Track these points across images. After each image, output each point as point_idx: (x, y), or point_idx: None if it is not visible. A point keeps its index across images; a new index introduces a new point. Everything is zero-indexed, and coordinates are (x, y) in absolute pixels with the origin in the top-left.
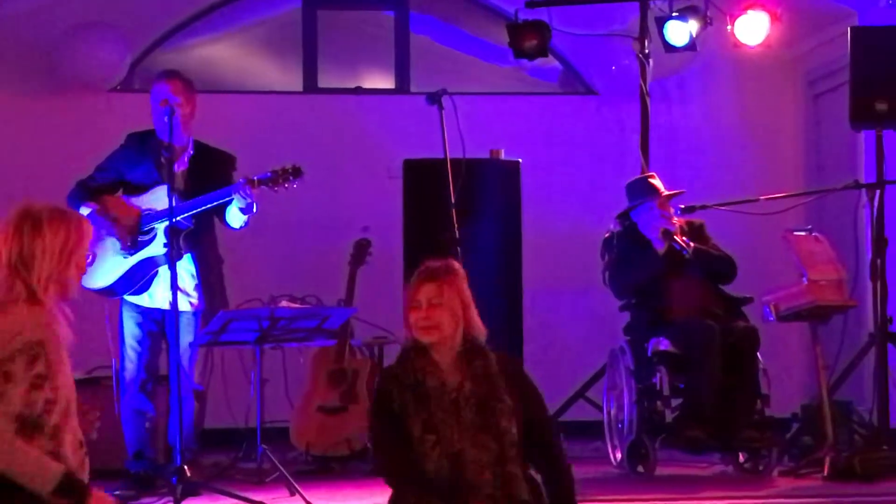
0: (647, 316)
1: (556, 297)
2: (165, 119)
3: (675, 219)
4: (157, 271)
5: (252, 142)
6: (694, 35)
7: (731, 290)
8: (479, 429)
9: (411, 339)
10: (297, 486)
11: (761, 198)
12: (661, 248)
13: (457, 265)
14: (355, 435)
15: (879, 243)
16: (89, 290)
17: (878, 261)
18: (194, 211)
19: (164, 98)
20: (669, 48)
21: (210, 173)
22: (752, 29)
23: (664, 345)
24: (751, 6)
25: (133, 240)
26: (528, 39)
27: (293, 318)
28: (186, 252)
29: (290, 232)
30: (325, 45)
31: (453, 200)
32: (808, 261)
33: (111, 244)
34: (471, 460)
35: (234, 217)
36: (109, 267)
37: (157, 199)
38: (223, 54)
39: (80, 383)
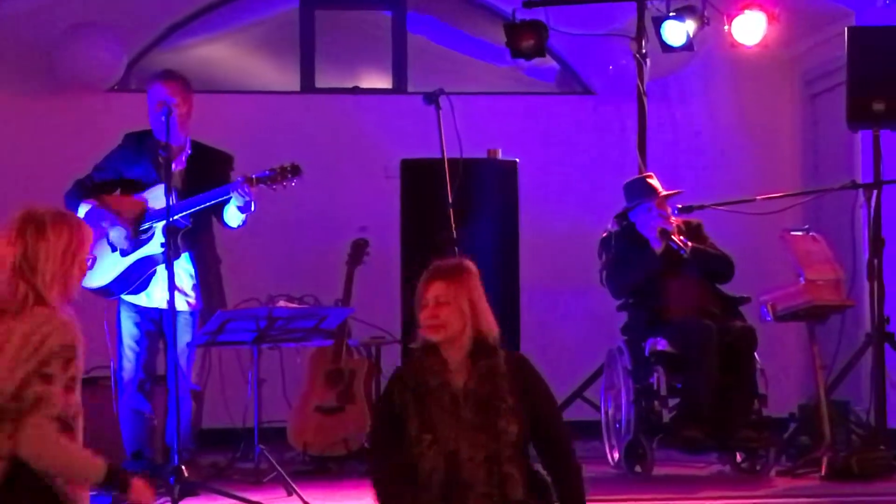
0: (645, 316)
1: (554, 296)
2: (162, 119)
3: (673, 218)
4: (154, 271)
5: (249, 142)
6: (691, 35)
7: (728, 289)
8: (477, 428)
9: (422, 338)
10: (294, 486)
11: (758, 198)
12: (658, 248)
13: (469, 264)
14: (352, 435)
15: (876, 243)
16: (86, 289)
17: (875, 261)
18: (192, 210)
19: (162, 99)
20: (667, 48)
21: (208, 173)
22: (750, 29)
23: (661, 345)
24: (748, 6)
25: (136, 230)
26: (525, 39)
27: (291, 318)
28: (184, 251)
29: (288, 232)
30: (322, 44)
31: (451, 200)
32: (806, 261)
33: (108, 244)
34: (466, 459)
35: (232, 216)
36: (106, 266)
37: (155, 198)
38: (221, 54)
39: None
